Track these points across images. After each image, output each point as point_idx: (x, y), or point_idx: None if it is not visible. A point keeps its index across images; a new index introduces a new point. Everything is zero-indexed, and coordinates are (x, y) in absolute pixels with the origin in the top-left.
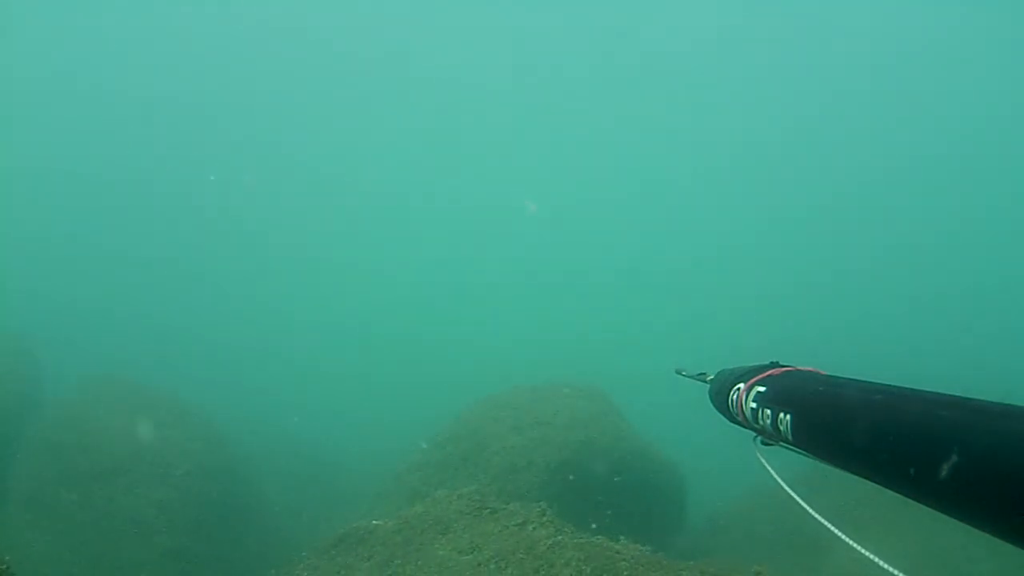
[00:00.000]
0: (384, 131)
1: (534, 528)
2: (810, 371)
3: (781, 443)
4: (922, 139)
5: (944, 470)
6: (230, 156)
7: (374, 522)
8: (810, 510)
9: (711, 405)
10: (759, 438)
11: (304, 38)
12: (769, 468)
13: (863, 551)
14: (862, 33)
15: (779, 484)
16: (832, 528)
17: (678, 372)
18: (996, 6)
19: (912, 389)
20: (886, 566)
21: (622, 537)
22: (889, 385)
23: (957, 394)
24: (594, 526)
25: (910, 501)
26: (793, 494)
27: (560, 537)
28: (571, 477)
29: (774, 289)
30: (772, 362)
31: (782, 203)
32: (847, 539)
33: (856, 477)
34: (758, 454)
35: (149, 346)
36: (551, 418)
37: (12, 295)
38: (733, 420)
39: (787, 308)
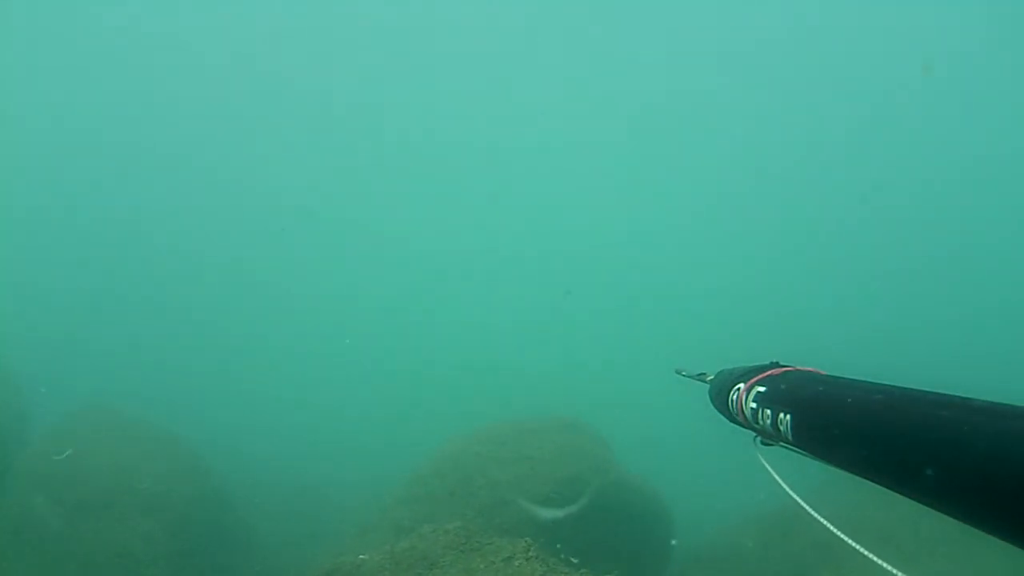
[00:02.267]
0: (367, 153)
1: (520, 564)
2: (810, 371)
3: (781, 443)
4: (925, 141)
5: (945, 471)
6: (210, 182)
7: (360, 557)
8: (812, 511)
9: (711, 405)
10: (759, 438)
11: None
12: (770, 469)
13: (865, 552)
14: (878, 33)
15: (780, 485)
16: (833, 529)
17: (678, 372)
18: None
19: (913, 389)
20: (888, 567)
21: (607, 574)
22: (890, 385)
23: (958, 394)
24: (576, 561)
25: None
26: (795, 496)
27: (546, 572)
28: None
29: (774, 290)
30: (772, 362)
31: (782, 206)
32: (849, 540)
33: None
34: (759, 455)
35: (135, 378)
36: (536, 452)
37: None
38: (733, 420)
39: (787, 308)
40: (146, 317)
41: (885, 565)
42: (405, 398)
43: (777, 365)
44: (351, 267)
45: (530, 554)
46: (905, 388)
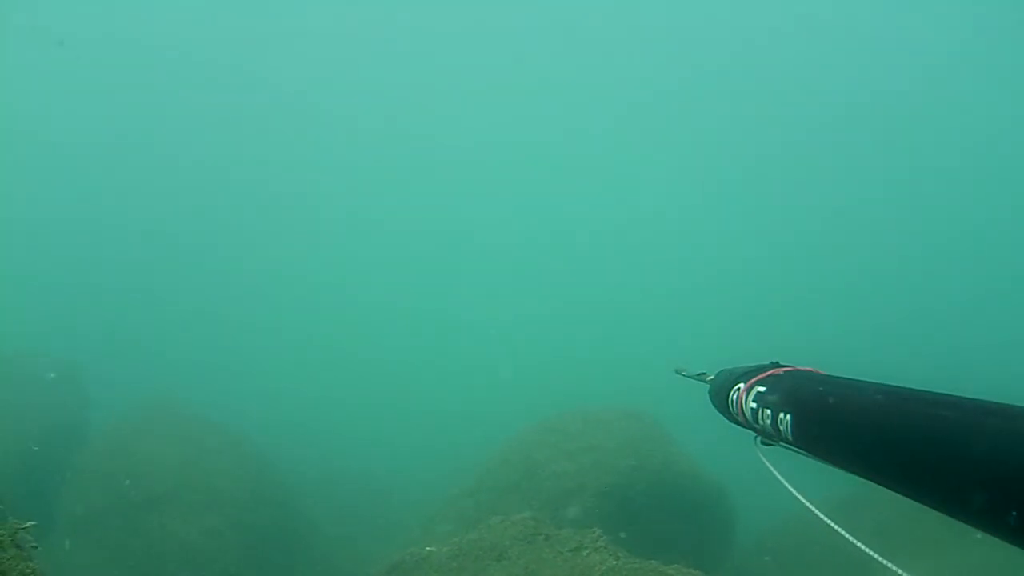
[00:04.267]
0: (401, 149)
1: (588, 553)
2: (810, 371)
3: (781, 443)
4: (922, 140)
5: (945, 470)
6: (257, 180)
7: (427, 549)
8: (818, 512)
9: (711, 405)
10: (759, 438)
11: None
12: (771, 468)
13: (875, 555)
14: (871, 33)
15: (783, 485)
16: (842, 531)
17: (678, 372)
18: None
19: (913, 389)
20: (898, 570)
21: (672, 564)
22: (890, 385)
23: (958, 394)
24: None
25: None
26: (800, 496)
27: (614, 562)
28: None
29: (778, 290)
30: (772, 362)
31: (785, 204)
32: (859, 544)
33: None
34: (759, 454)
35: (195, 377)
36: (601, 443)
37: (56, 326)
38: (733, 420)
39: (789, 308)
40: (206, 317)
41: (891, 566)
42: (467, 394)
43: (777, 365)
44: (407, 268)
45: (598, 544)
46: (905, 388)
